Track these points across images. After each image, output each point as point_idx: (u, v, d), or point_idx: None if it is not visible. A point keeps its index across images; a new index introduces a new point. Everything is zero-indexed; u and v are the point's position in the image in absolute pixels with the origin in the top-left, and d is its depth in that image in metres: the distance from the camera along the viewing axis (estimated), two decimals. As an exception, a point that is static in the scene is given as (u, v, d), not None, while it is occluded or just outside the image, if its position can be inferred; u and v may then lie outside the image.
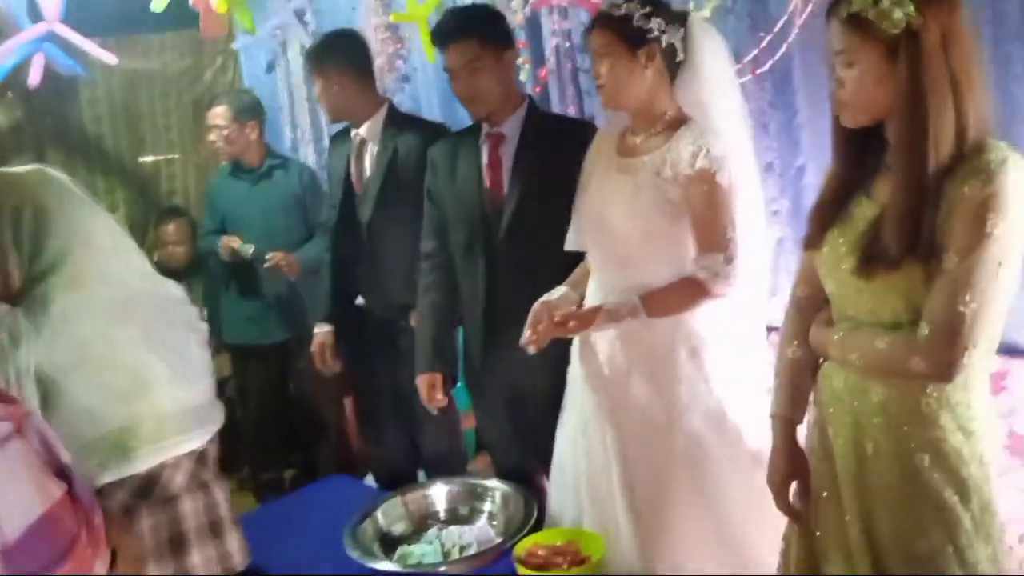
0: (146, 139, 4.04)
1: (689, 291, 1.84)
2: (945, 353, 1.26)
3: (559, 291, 2.01)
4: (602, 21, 1.87)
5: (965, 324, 1.24)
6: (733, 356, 1.90)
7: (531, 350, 1.89)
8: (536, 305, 1.98)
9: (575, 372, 2.05)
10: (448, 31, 2.23)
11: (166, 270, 3.06)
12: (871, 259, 1.33)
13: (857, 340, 1.39)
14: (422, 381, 2.36)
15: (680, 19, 1.86)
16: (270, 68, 4.04)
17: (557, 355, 2.05)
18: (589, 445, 1.96)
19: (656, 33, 1.82)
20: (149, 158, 4.07)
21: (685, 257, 1.87)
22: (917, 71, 1.26)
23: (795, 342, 1.55)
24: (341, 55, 2.60)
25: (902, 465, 1.37)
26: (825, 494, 1.50)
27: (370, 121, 2.61)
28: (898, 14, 1.25)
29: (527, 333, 1.91)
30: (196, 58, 4.11)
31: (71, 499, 1.03)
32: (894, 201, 1.31)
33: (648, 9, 1.82)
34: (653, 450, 1.88)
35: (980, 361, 1.34)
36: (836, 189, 1.45)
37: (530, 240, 2.20)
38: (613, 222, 1.89)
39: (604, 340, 1.94)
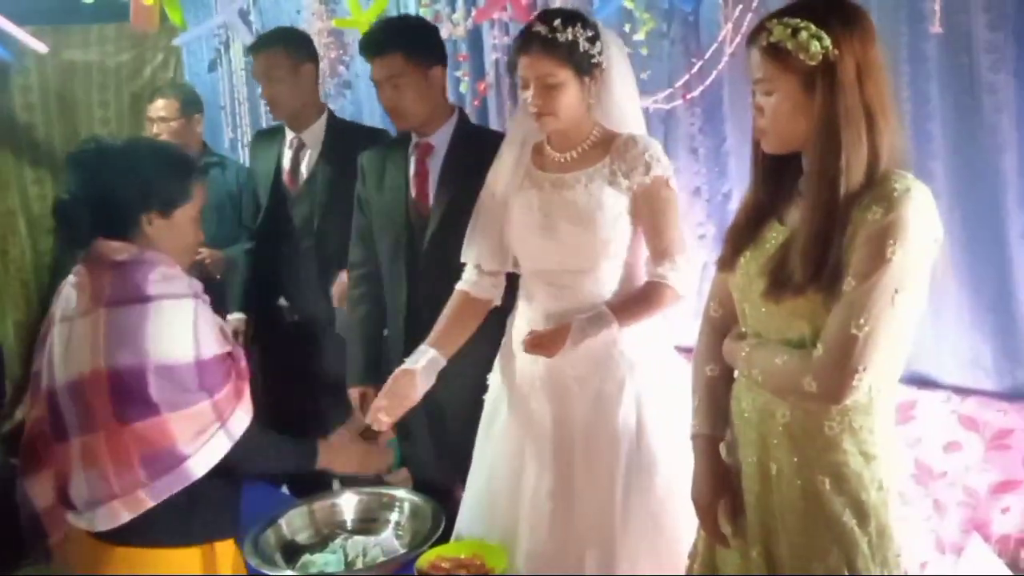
0: (81, 130, 3.93)
1: (653, 297, 1.85)
2: (835, 374, 1.28)
3: (425, 355, 1.95)
4: (544, 48, 1.77)
5: (856, 347, 1.26)
6: (664, 373, 1.91)
7: (381, 427, 1.90)
8: (397, 376, 1.93)
9: (497, 385, 2.04)
10: (374, 43, 2.21)
11: None
12: (778, 283, 1.35)
13: (760, 356, 1.41)
14: (353, 395, 2.34)
15: (596, 29, 1.83)
16: (212, 67, 4.00)
17: (478, 369, 2.04)
18: (516, 459, 1.94)
19: (597, 57, 1.81)
20: (83, 150, 3.99)
21: (637, 266, 1.90)
22: (832, 102, 1.29)
23: (711, 361, 1.57)
24: (295, 49, 2.59)
25: (803, 487, 1.38)
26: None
27: (314, 125, 2.60)
28: (815, 47, 1.28)
29: (379, 407, 1.89)
30: (137, 52, 4.04)
31: (232, 358, 1.54)
32: (803, 228, 1.34)
33: (591, 32, 1.79)
34: (590, 465, 1.86)
35: (884, 387, 1.37)
36: (751, 212, 1.47)
37: (454, 251, 2.17)
38: (565, 238, 1.86)
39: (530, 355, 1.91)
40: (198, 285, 1.58)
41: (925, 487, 2.17)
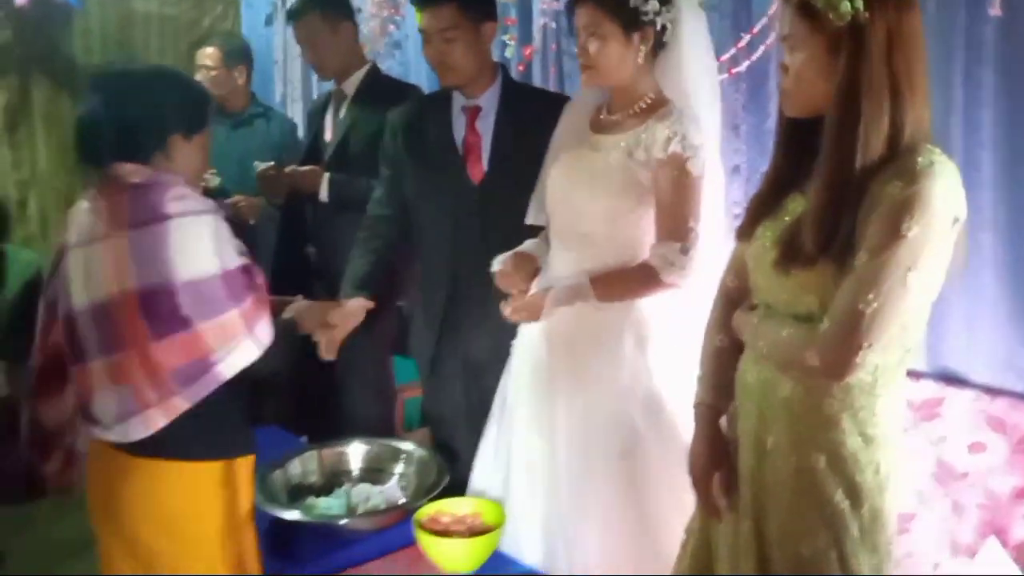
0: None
1: (640, 278, 1.82)
2: (838, 350, 1.24)
3: (528, 246, 1.98)
4: None
5: (863, 323, 1.21)
6: (678, 349, 1.87)
7: (515, 318, 1.89)
8: (499, 277, 1.94)
9: (519, 346, 2.03)
10: None
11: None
12: (789, 253, 1.32)
13: (767, 328, 1.37)
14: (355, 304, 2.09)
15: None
16: (268, 21, 4.05)
17: (509, 333, 2.04)
18: (527, 421, 1.95)
19: (651, 16, 1.77)
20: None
21: (644, 242, 1.85)
22: (856, 68, 1.24)
23: (722, 331, 1.54)
24: (331, 11, 2.60)
25: (798, 463, 1.35)
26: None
27: (353, 76, 2.62)
28: (845, 7, 1.23)
29: (509, 303, 1.89)
30: (197, 3, 4.09)
31: (250, 272, 1.57)
32: (815, 197, 1.29)
33: None
34: (589, 432, 1.86)
35: (890, 369, 1.33)
36: (773, 183, 1.43)
37: (505, 213, 2.12)
38: (578, 198, 1.86)
39: (553, 317, 1.90)
40: (211, 201, 1.62)
41: (945, 487, 2.11)
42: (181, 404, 1.50)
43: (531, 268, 1.98)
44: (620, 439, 1.85)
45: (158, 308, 1.47)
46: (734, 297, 1.53)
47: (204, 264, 1.51)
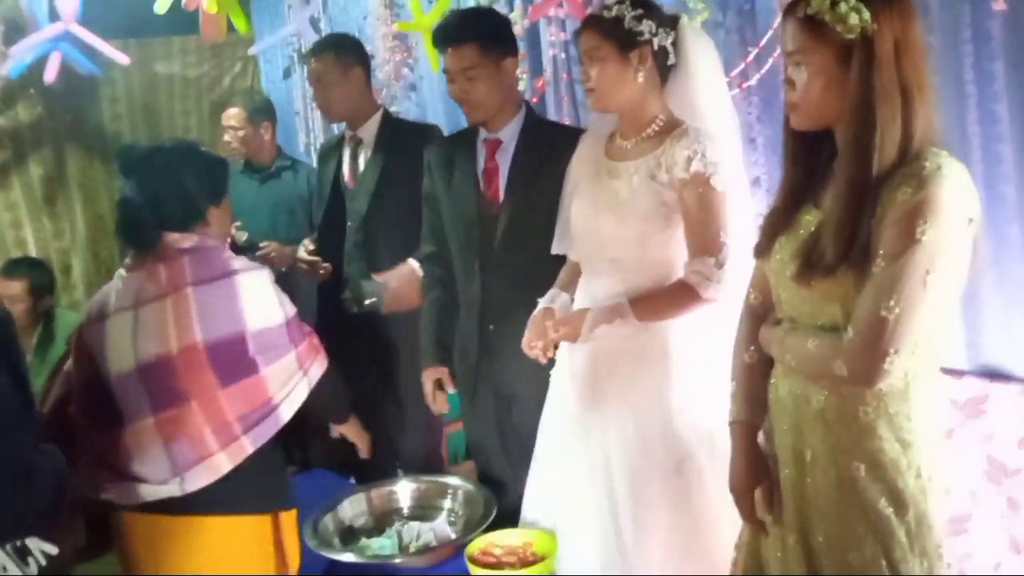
0: (165, 138, 4.15)
1: (679, 295, 1.83)
2: (866, 357, 1.25)
3: (558, 297, 2.02)
4: (592, 23, 1.85)
5: (887, 329, 1.23)
6: (718, 362, 1.89)
7: (542, 360, 1.91)
8: (536, 315, 1.98)
9: (560, 373, 2.06)
10: (449, 34, 2.20)
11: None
12: (809, 265, 1.33)
13: (793, 341, 1.39)
14: (427, 376, 2.36)
15: (671, 22, 1.86)
16: (287, 74, 4.15)
17: (549, 362, 2.06)
18: (574, 446, 1.96)
19: (647, 36, 1.81)
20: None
21: (676, 262, 1.88)
22: (868, 78, 1.26)
23: (751, 347, 1.55)
24: (345, 54, 2.67)
25: (838, 473, 1.36)
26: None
27: (368, 122, 2.68)
28: (854, 19, 1.26)
29: (536, 344, 1.92)
30: (216, 62, 4.22)
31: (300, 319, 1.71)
32: (834, 207, 1.31)
33: (639, 11, 1.81)
34: (642, 450, 1.87)
35: (921, 373, 1.33)
36: (786, 197, 1.45)
37: (526, 245, 2.18)
38: (605, 226, 1.89)
39: (592, 346, 1.92)
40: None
41: (998, 484, 2.08)
42: (247, 447, 1.56)
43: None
44: (673, 455, 1.86)
45: (228, 357, 1.55)
46: (759, 312, 1.55)
47: (271, 313, 1.62)
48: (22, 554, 1.45)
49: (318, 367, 1.69)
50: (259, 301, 1.61)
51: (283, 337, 1.62)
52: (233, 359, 1.55)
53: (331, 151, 2.83)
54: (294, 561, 1.67)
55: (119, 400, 1.58)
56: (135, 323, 1.60)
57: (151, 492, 1.56)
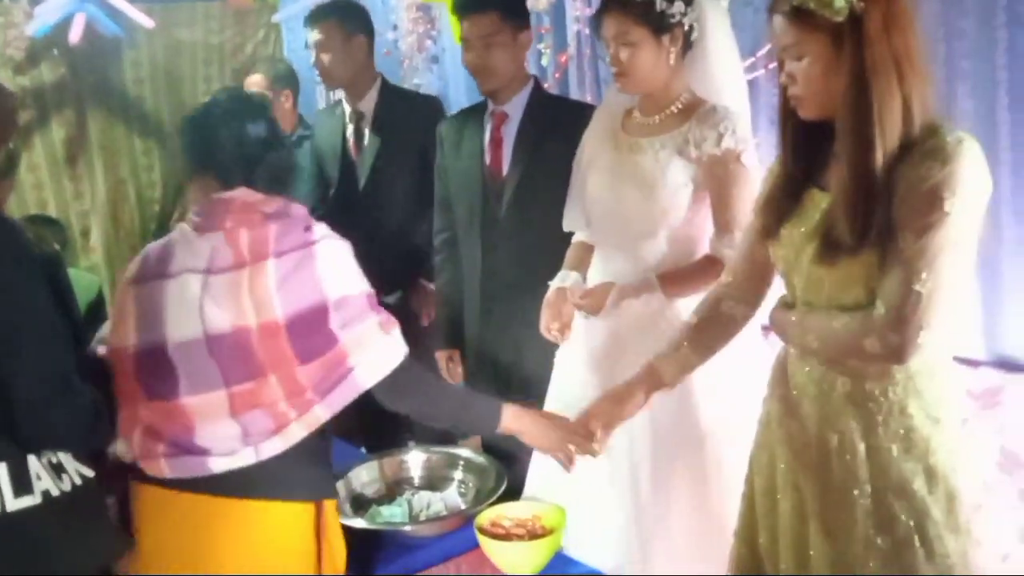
0: (187, 103, 4.12)
1: (708, 270, 1.83)
2: (900, 333, 1.25)
3: (570, 276, 2.02)
4: (617, 6, 1.82)
5: (921, 304, 1.23)
6: (740, 350, 1.89)
7: (560, 342, 1.92)
8: (550, 296, 1.99)
9: (573, 351, 2.06)
10: (471, 1, 2.24)
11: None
12: (830, 246, 1.33)
13: (815, 321, 1.38)
14: (440, 357, 2.48)
15: None
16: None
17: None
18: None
19: (678, 17, 1.80)
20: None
21: (698, 238, 1.88)
22: (860, 55, 1.26)
23: (696, 312, 1.65)
24: (349, 21, 2.65)
25: (868, 455, 1.36)
26: (779, 495, 1.49)
27: (368, 94, 2.68)
28: (840, 2, 1.25)
29: (553, 326, 1.93)
30: (239, 29, 4.21)
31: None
32: (842, 189, 1.31)
33: None
34: (664, 427, 1.88)
35: (942, 349, 1.34)
36: (787, 183, 1.45)
37: (529, 219, 2.23)
38: (628, 202, 1.89)
39: (612, 321, 1.93)
40: None
41: (1010, 475, 2.08)
42: (322, 414, 1.47)
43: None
44: (695, 433, 1.87)
45: (308, 331, 1.44)
46: (721, 294, 1.62)
47: (352, 281, 1.51)
48: (57, 470, 1.41)
49: (400, 337, 1.54)
50: (339, 269, 1.49)
51: (364, 305, 1.50)
52: (313, 332, 1.45)
53: (328, 123, 2.83)
54: (340, 557, 1.57)
55: (178, 369, 1.47)
56: (204, 289, 1.46)
57: (223, 464, 1.46)
